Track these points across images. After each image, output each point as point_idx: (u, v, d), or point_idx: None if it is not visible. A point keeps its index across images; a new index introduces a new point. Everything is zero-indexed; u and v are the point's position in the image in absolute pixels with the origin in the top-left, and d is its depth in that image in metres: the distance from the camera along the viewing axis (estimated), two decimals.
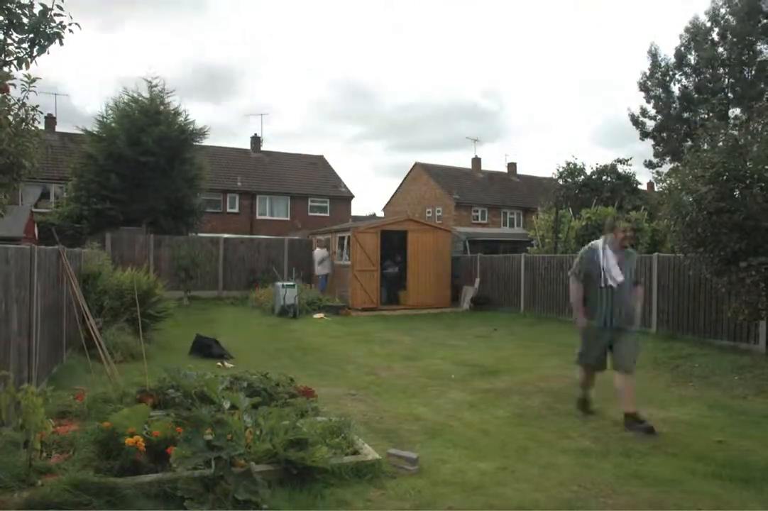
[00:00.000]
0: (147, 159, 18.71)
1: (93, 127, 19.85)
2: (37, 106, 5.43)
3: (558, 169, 25.73)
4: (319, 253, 18.74)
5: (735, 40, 28.52)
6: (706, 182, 8.42)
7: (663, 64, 31.84)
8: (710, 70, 29.66)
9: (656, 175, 29.14)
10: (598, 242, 6.30)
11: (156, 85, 20.08)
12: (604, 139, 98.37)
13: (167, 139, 19.09)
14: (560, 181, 25.59)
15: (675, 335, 11.45)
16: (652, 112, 32.49)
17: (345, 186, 33.98)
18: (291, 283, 15.82)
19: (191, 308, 16.45)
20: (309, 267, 20.36)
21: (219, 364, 8.92)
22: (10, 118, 5.17)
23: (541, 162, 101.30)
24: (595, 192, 23.40)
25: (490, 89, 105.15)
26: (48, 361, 7.17)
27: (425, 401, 6.98)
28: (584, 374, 6.64)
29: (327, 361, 9.60)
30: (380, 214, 41.38)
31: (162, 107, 19.82)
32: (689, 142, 9.48)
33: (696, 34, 30.39)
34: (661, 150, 32.42)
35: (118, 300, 10.21)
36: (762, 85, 28.20)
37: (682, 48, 31.15)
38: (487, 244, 23.20)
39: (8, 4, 4.46)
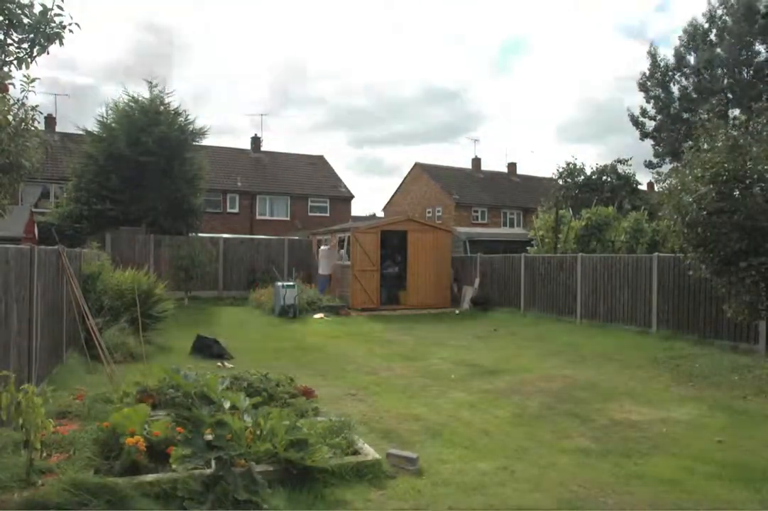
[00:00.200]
0: (147, 159, 18.70)
1: (93, 128, 19.88)
2: (37, 106, 5.43)
3: (558, 170, 25.75)
4: (321, 252, 18.78)
5: (733, 40, 28.53)
6: (706, 182, 8.42)
7: (662, 64, 31.87)
8: (709, 71, 29.68)
9: (656, 176, 29.19)
10: None
11: (156, 85, 20.10)
12: (573, 133, 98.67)
13: (167, 140, 19.08)
14: (560, 182, 25.60)
15: (675, 334, 11.46)
16: (652, 112, 32.52)
17: (345, 186, 33.98)
18: (291, 283, 15.81)
19: (191, 308, 16.45)
20: (309, 267, 20.38)
21: (219, 364, 8.92)
22: (10, 118, 5.17)
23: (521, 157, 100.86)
24: (595, 192, 23.42)
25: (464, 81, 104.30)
26: (48, 361, 7.17)
27: (425, 401, 6.98)
28: None
29: (327, 361, 9.60)
30: (380, 214, 41.40)
31: (162, 107, 19.82)
32: (689, 143, 9.44)
33: (694, 35, 30.41)
34: (661, 150, 32.43)
35: (118, 300, 10.22)
36: (761, 86, 28.21)
37: (681, 49, 31.18)
38: (487, 244, 23.21)
39: (8, 4, 4.46)
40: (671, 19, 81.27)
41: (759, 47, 28.78)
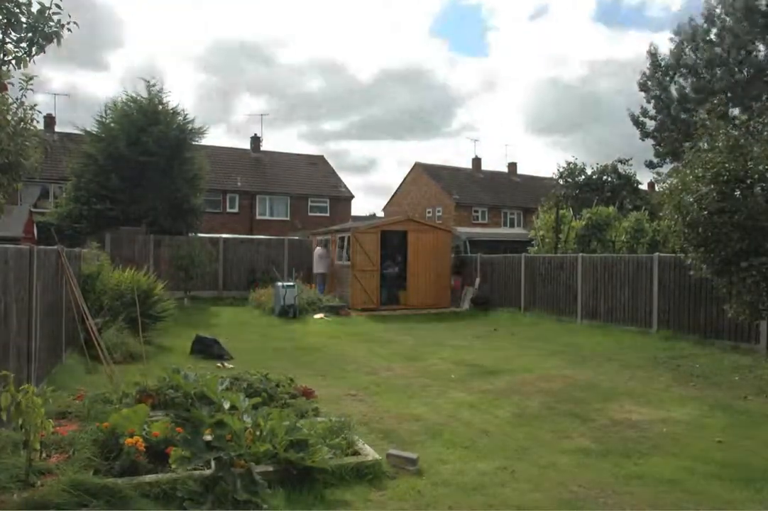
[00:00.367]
0: (146, 159, 18.70)
1: (92, 128, 19.85)
2: (36, 105, 5.42)
3: (558, 169, 25.76)
4: (316, 252, 18.84)
5: (732, 40, 28.49)
6: (707, 182, 8.42)
7: (662, 64, 31.83)
8: (708, 71, 29.64)
9: (657, 176, 29.17)
10: None
11: (154, 85, 20.09)
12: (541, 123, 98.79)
13: (166, 139, 19.07)
14: (561, 181, 25.60)
15: (676, 334, 11.45)
16: (653, 112, 32.48)
17: (345, 186, 33.98)
18: (291, 283, 15.80)
19: (191, 308, 16.44)
20: (309, 267, 20.38)
21: (219, 364, 8.91)
22: (9, 117, 5.16)
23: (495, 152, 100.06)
24: (595, 192, 23.42)
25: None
26: (47, 361, 7.16)
27: (425, 401, 6.97)
28: None
29: (327, 361, 9.59)
30: (380, 214, 41.40)
31: (161, 107, 19.81)
32: (688, 143, 9.42)
33: (693, 35, 30.38)
34: (661, 150, 32.39)
35: (118, 300, 10.21)
36: (760, 86, 28.17)
37: (677, 49, 31.14)
38: (487, 244, 23.20)
39: (6, 3, 4.45)
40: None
41: (759, 46, 28.74)
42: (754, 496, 4.31)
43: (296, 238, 22.42)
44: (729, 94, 28.57)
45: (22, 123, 5.32)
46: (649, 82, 32.44)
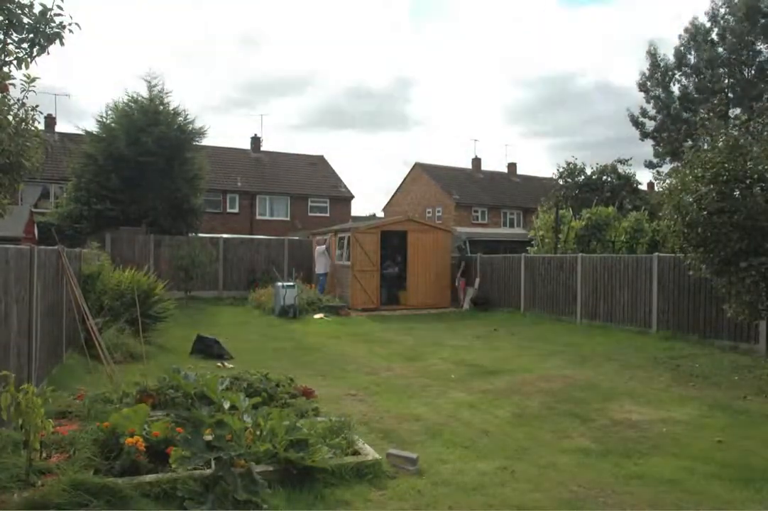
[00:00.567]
0: (147, 159, 18.71)
1: (93, 128, 19.89)
2: (37, 106, 5.42)
3: (558, 169, 25.76)
4: (318, 250, 18.83)
5: (735, 40, 28.51)
6: (706, 182, 8.42)
7: (662, 64, 31.85)
8: (710, 71, 29.66)
9: (656, 176, 29.14)
10: None
11: (155, 85, 20.10)
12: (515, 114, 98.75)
13: (167, 139, 19.08)
14: (560, 181, 25.60)
15: (675, 334, 11.46)
16: (652, 112, 32.51)
17: (345, 186, 33.98)
18: (291, 283, 15.81)
19: (191, 308, 16.44)
20: (309, 267, 20.37)
21: (219, 364, 8.91)
22: (10, 118, 5.16)
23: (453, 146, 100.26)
24: (595, 192, 23.42)
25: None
26: (48, 361, 7.17)
27: (425, 401, 6.98)
28: None
29: (327, 361, 9.60)
30: (380, 214, 41.40)
31: (161, 107, 19.82)
32: (689, 142, 9.43)
33: (696, 35, 30.40)
34: (661, 150, 32.41)
35: (118, 300, 10.21)
36: (762, 86, 28.19)
37: (682, 48, 31.16)
38: (487, 244, 23.20)
39: (8, 4, 4.45)
40: None
41: (760, 46, 28.76)
42: (754, 496, 4.31)
43: (296, 238, 22.43)
44: (730, 94, 28.58)
45: (23, 124, 5.33)
46: (649, 83, 32.45)
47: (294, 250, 20.94)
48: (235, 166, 31.42)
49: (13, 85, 5.01)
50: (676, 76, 31.56)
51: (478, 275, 18.16)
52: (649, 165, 33.50)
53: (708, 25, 30.24)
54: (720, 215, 8.27)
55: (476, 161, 40.32)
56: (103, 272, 10.77)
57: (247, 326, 13.65)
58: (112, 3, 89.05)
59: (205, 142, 21.85)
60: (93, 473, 3.93)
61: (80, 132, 20.39)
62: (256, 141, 34.05)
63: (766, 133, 8.59)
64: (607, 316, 13.43)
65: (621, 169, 25.02)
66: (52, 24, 4.59)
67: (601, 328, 13.15)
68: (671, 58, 31.59)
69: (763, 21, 27.64)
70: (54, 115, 27.91)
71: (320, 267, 18.52)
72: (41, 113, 5.58)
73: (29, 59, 4.66)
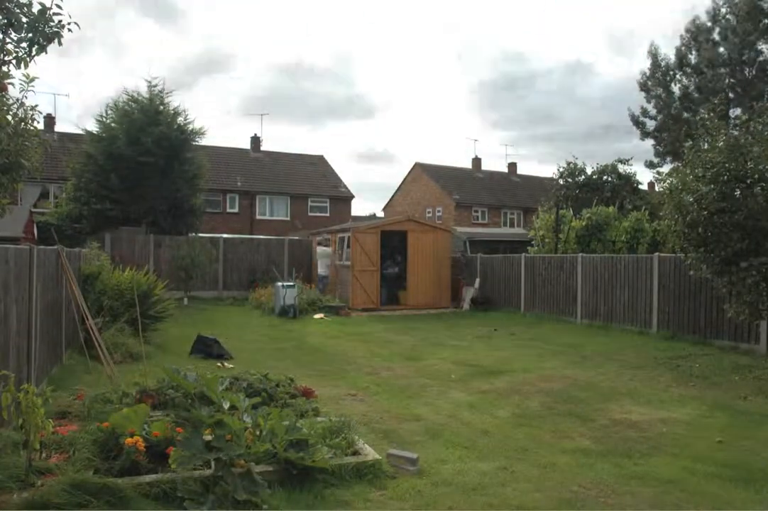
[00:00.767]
0: (146, 159, 18.69)
1: (93, 127, 19.88)
2: (36, 105, 5.41)
3: (558, 169, 25.74)
4: (319, 252, 18.82)
5: (736, 40, 28.48)
6: (707, 182, 8.42)
7: (663, 63, 31.83)
8: (711, 71, 29.63)
9: (657, 175, 28.97)
10: None
11: (156, 85, 20.09)
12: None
13: (167, 139, 19.08)
14: (561, 181, 25.58)
15: (675, 334, 11.46)
16: (653, 112, 32.48)
17: (345, 186, 33.97)
18: (291, 283, 15.81)
19: (191, 308, 16.44)
20: (309, 267, 20.38)
21: (219, 364, 8.91)
22: (9, 117, 5.15)
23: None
24: (595, 192, 23.40)
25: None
26: (47, 361, 7.16)
27: (425, 401, 6.97)
28: None
29: (327, 361, 9.59)
30: (380, 214, 41.40)
31: (161, 107, 19.81)
32: (689, 142, 9.42)
33: (697, 34, 30.36)
34: (661, 150, 32.39)
35: (118, 300, 10.20)
36: (763, 86, 28.16)
37: (683, 48, 31.12)
38: (487, 244, 23.20)
39: (7, 4, 4.45)
40: None
41: (761, 46, 28.73)
42: (754, 496, 4.31)
43: (296, 238, 22.43)
44: (731, 94, 28.58)
45: (22, 123, 5.31)
46: (650, 82, 32.44)
47: (294, 250, 20.94)
48: (235, 166, 31.41)
49: (12, 84, 5.00)
50: (677, 76, 31.55)
51: (478, 275, 18.16)
52: (650, 165, 33.48)
53: (709, 24, 30.21)
54: (720, 215, 8.27)
55: (476, 161, 40.31)
56: (103, 271, 10.76)
57: (247, 326, 13.65)
58: None
59: (205, 141, 21.86)
60: (93, 473, 3.92)
61: (80, 132, 20.39)
62: (256, 141, 34.04)
63: (766, 133, 8.57)
64: (607, 316, 13.42)
65: (621, 169, 25.00)
66: (51, 23, 4.57)
67: (601, 328, 13.14)
68: (672, 58, 31.57)
69: (765, 21, 27.60)
70: (53, 115, 27.92)
71: (321, 268, 18.51)
72: (40, 113, 5.57)
73: (28, 58, 4.64)
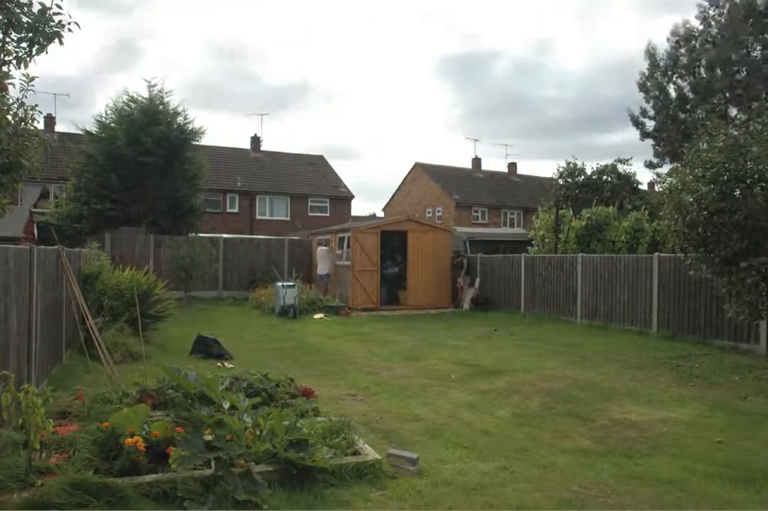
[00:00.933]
0: (146, 159, 18.69)
1: (92, 128, 19.86)
2: (36, 105, 5.41)
3: (558, 169, 25.72)
4: (319, 252, 18.80)
5: (729, 40, 28.46)
6: (706, 182, 8.42)
7: (661, 64, 31.82)
8: (708, 72, 29.62)
9: (656, 176, 29.06)
10: None
11: (155, 85, 20.09)
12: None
13: (166, 139, 19.07)
14: (560, 181, 25.56)
15: (675, 335, 11.46)
16: (652, 112, 32.46)
17: (345, 186, 33.98)
18: (291, 283, 15.81)
19: (191, 308, 16.44)
20: (309, 267, 20.37)
21: (219, 364, 8.91)
22: (9, 117, 5.15)
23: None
24: (595, 192, 23.37)
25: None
26: (47, 361, 7.16)
27: (425, 401, 6.98)
28: None
29: (327, 361, 9.59)
30: (380, 214, 41.40)
31: (161, 107, 19.80)
32: (687, 144, 9.44)
33: (690, 36, 30.36)
34: (661, 150, 32.39)
35: (118, 300, 10.21)
36: (758, 86, 28.15)
37: (673, 50, 31.13)
38: (487, 244, 23.18)
39: (7, 3, 4.45)
40: None
41: (757, 47, 28.71)
42: (754, 496, 4.31)
43: (296, 238, 22.43)
44: (727, 94, 28.58)
45: (22, 123, 5.32)
46: (648, 83, 32.44)
47: (294, 250, 20.94)
48: (235, 166, 31.42)
49: (13, 84, 5.00)
50: (674, 78, 31.54)
51: (478, 275, 18.16)
52: (649, 165, 33.47)
53: (701, 27, 30.22)
54: (720, 215, 8.27)
55: (476, 161, 40.31)
56: (103, 271, 10.76)
57: (247, 326, 13.65)
58: None
59: (205, 141, 21.87)
60: (93, 473, 3.92)
61: (80, 132, 20.39)
62: (256, 141, 34.04)
63: (766, 133, 8.58)
64: (607, 316, 13.42)
65: (621, 168, 24.99)
66: (51, 23, 4.57)
67: (601, 328, 13.15)
68: (667, 59, 31.55)
69: (758, 21, 27.57)
70: (54, 115, 27.93)
71: (322, 268, 18.46)
72: (41, 113, 5.57)
73: (28, 58, 4.65)
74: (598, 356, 9.99)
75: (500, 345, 11.38)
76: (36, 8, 4.56)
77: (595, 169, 25.08)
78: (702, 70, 29.56)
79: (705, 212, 8.36)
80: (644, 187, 29.94)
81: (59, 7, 4.57)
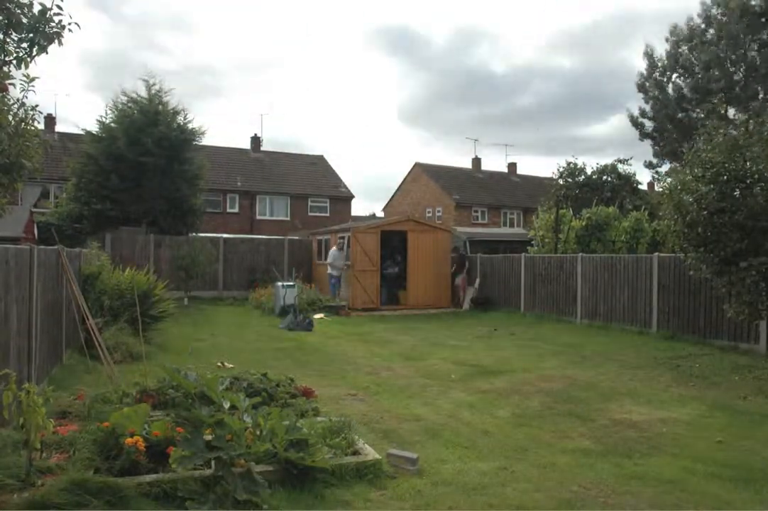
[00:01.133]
0: (146, 159, 18.69)
1: (93, 128, 19.88)
2: (37, 105, 5.42)
3: (558, 169, 25.73)
4: (332, 253, 18.40)
5: (728, 40, 28.45)
6: (706, 182, 8.42)
7: (660, 64, 31.82)
8: (707, 72, 29.61)
9: (656, 176, 29.04)
10: None
11: (154, 85, 20.09)
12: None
13: (167, 139, 19.07)
14: (560, 181, 25.57)
15: (675, 334, 11.46)
16: (651, 113, 32.46)
17: (345, 186, 33.98)
18: (291, 283, 15.80)
19: (191, 308, 16.45)
20: (309, 267, 20.36)
21: (219, 364, 8.91)
22: (10, 117, 5.16)
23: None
24: (595, 192, 23.38)
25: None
26: (47, 361, 7.16)
27: (425, 401, 6.98)
28: None
29: (327, 361, 9.60)
30: (380, 214, 41.41)
31: (161, 107, 19.80)
32: (688, 144, 9.45)
33: (690, 36, 30.35)
34: (660, 151, 32.39)
35: (118, 300, 10.21)
36: (756, 86, 28.15)
37: (673, 50, 31.12)
38: (487, 244, 23.20)
39: (7, 4, 4.46)
40: None
41: (754, 48, 28.69)
42: (754, 496, 4.31)
43: (296, 238, 22.43)
44: (726, 94, 28.57)
45: (23, 124, 5.32)
46: (647, 83, 32.44)
47: (294, 250, 20.94)
48: (235, 166, 31.43)
49: (13, 85, 5.01)
50: (673, 78, 31.54)
51: (478, 275, 18.16)
52: (649, 165, 33.48)
53: (702, 26, 30.20)
54: (720, 215, 8.27)
55: (476, 161, 40.33)
56: (103, 271, 10.76)
57: (247, 326, 13.66)
58: None
59: (205, 141, 21.87)
60: (93, 472, 3.92)
61: (80, 132, 20.40)
62: (256, 141, 34.06)
63: (766, 132, 8.59)
64: (607, 316, 13.43)
65: (621, 168, 24.99)
66: (52, 24, 4.59)
67: (601, 328, 13.15)
68: (666, 59, 31.53)
69: (756, 21, 27.55)
70: (54, 115, 27.94)
71: (334, 269, 18.05)
72: (41, 113, 5.58)
73: (29, 59, 4.66)
74: (598, 356, 9.99)
75: (500, 345, 11.39)
76: (36, 9, 4.57)
77: (595, 169, 25.10)
78: (701, 69, 29.52)
79: (705, 212, 8.36)
80: (644, 187, 29.96)
81: (59, 7, 4.59)
